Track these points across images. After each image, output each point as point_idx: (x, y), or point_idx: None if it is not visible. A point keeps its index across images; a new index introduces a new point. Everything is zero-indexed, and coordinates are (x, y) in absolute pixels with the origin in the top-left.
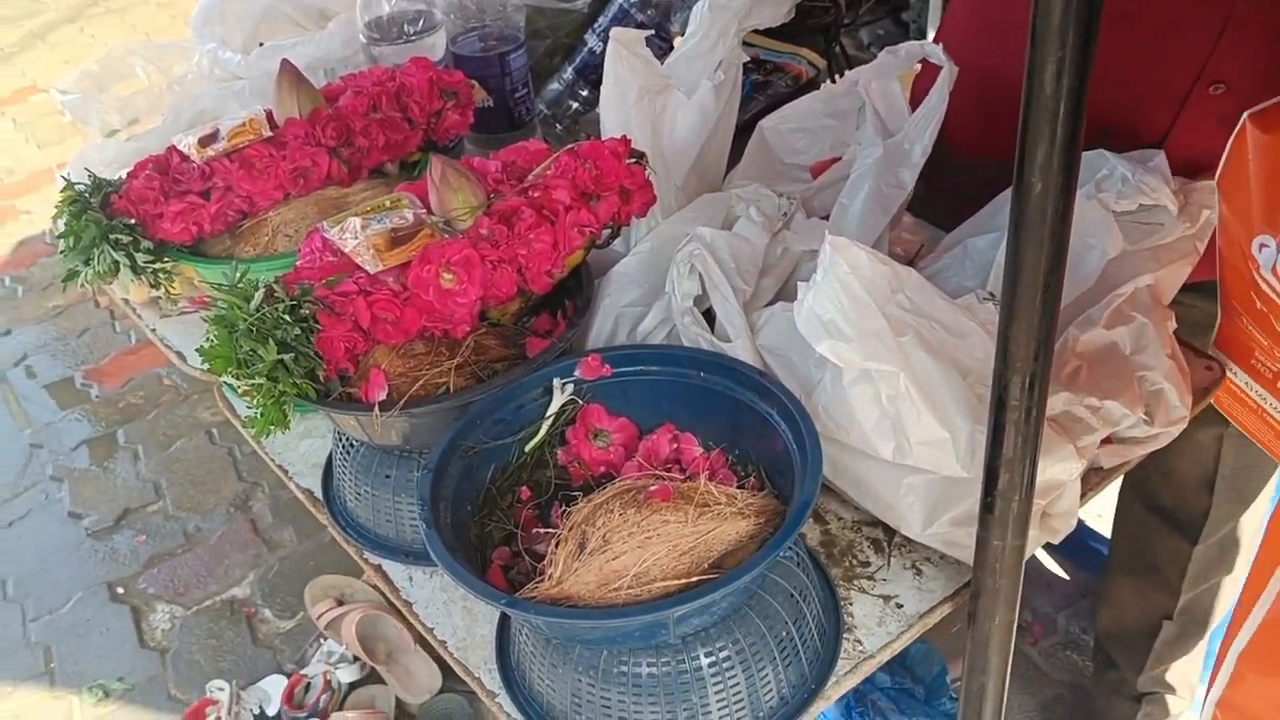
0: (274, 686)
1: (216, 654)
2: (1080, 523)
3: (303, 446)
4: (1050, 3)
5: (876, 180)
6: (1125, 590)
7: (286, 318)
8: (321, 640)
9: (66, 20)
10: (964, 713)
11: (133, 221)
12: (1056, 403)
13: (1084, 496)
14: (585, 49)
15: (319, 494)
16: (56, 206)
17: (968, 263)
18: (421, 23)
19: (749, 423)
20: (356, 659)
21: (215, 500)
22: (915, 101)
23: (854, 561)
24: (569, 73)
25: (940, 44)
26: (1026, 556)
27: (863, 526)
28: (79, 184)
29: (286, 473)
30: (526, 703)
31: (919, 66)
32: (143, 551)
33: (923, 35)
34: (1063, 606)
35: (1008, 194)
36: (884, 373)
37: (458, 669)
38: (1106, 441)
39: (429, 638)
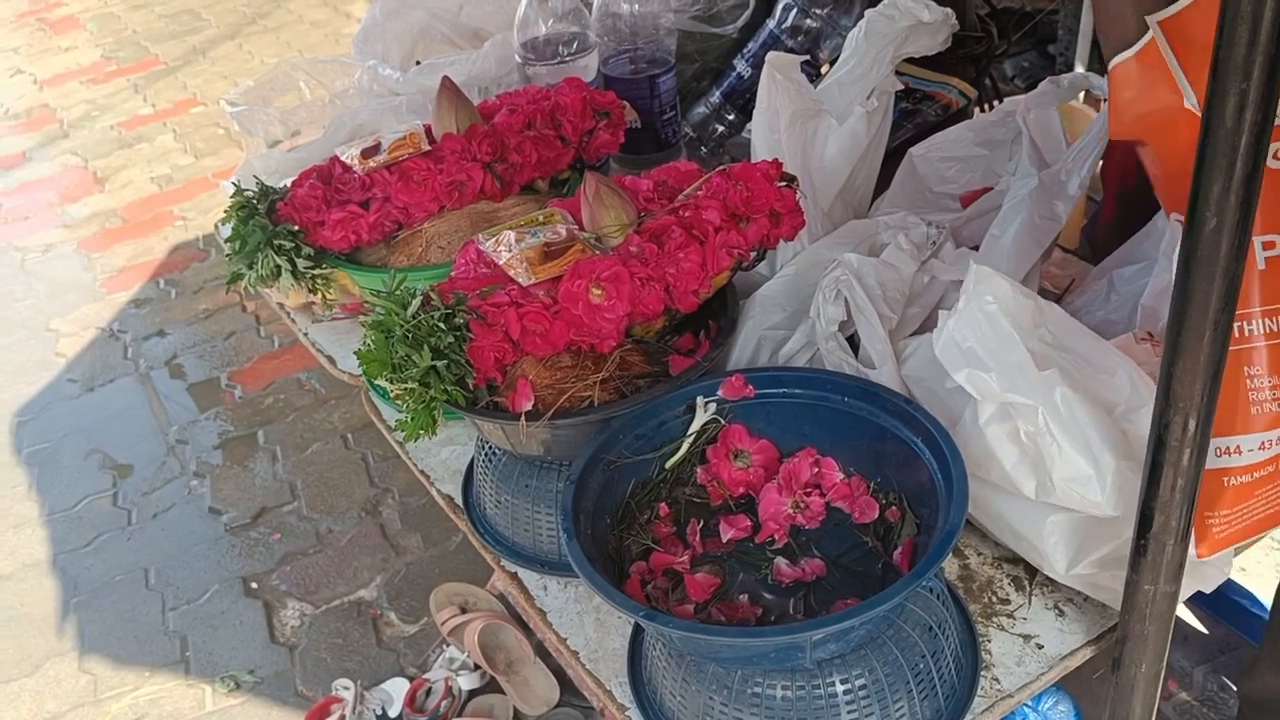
0: (396, 689)
1: (342, 653)
2: None
3: (444, 453)
4: (1235, 35)
5: (1030, 212)
6: (1266, 663)
7: (441, 325)
8: (444, 646)
9: (226, 37)
10: None
11: (295, 228)
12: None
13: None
14: (733, 74)
15: (459, 500)
16: (226, 212)
17: (1113, 295)
18: (575, 44)
19: (892, 450)
20: (477, 667)
21: (347, 504)
22: None
23: (993, 598)
24: (716, 96)
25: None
26: (1179, 603)
27: (1003, 563)
28: (247, 190)
29: (429, 478)
30: (656, 718)
31: (1081, 97)
32: (277, 549)
33: (1070, 68)
34: (1200, 661)
35: (1155, 223)
36: (1022, 407)
37: (588, 680)
38: None
39: (560, 648)
